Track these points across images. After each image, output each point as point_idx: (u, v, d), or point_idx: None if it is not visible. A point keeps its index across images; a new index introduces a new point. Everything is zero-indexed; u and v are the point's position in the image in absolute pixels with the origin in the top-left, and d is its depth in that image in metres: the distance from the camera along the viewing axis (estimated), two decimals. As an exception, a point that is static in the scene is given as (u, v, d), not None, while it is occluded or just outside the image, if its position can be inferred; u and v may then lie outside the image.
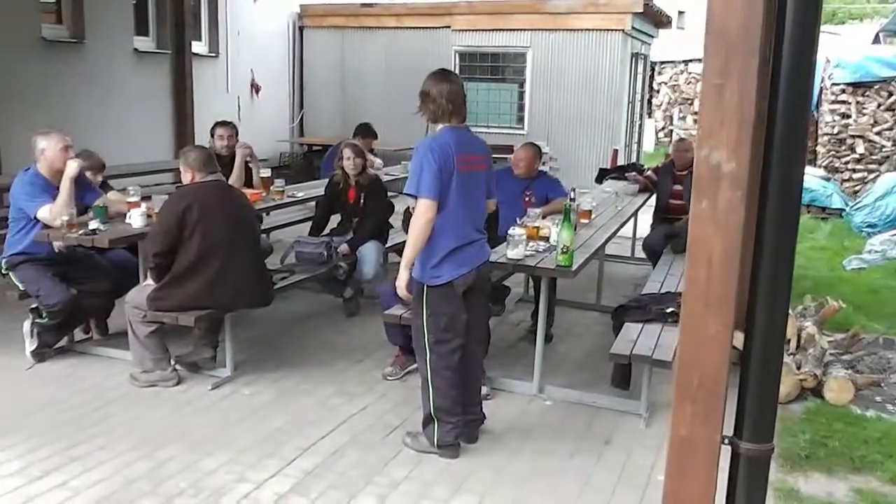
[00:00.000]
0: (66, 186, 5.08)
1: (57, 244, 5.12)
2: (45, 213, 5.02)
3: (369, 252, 6.37)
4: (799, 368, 5.11)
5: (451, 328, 4.02)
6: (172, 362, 4.98)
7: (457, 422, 4.14)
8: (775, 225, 2.03)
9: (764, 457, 2.20)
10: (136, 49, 10.65)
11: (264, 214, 6.97)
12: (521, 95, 13.43)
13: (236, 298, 4.92)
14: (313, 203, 7.48)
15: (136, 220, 5.19)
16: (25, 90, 8.85)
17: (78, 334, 5.58)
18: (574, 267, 4.63)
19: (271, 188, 6.78)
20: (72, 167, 5.13)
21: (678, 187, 7.41)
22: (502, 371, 5.27)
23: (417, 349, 4.16)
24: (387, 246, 6.69)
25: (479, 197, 4.07)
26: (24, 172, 5.20)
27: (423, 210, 3.85)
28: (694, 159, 6.35)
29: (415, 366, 4.68)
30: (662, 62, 20.39)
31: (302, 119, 14.65)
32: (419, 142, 4.00)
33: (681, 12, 21.75)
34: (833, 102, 12.94)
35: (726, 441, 2.24)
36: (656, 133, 20.64)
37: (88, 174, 5.53)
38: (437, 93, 3.96)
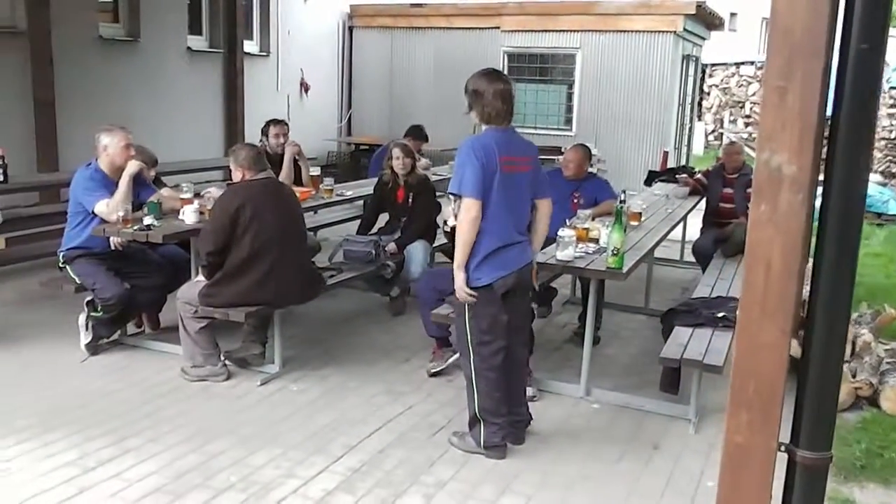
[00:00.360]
0: (124, 183, 5.19)
1: (115, 240, 5.23)
2: (102, 207, 5.12)
3: (417, 251, 6.39)
4: (854, 376, 5.01)
5: (493, 330, 4.02)
6: (222, 358, 5.05)
7: (502, 423, 4.13)
8: (836, 231, 1.99)
9: (821, 466, 2.16)
10: (189, 48, 10.81)
11: (312, 213, 7.04)
12: (570, 97, 13.36)
13: (285, 295, 4.97)
14: (360, 202, 7.54)
15: (188, 216, 5.27)
16: (83, 88, 9.04)
17: (130, 328, 5.69)
18: (625, 269, 4.60)
19: (320, 186, 6.83)
20: (133, 165, 5.24)
21: (729, 191, 7.32)
22: (549, 373, 5.25)
23: (461, 351, 4.16)
24: (434, 245, 6.71)
25: (522, 199, 4.04)
26: (85, 167, 5.32)
27: (468, 208, 3.84)
28: (744, 163, 6.28)
29: (456, 355, 4.69)
30: (713, 64, 20.13)
31: (350, 118, 14.75)
32: (462, 141, 4.00)
33: (733, 14, 21.45)
34: (891, 106, 12.67)
35: (782, 449, 2.20)
36: (706, 136, 20.38)
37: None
38: (491, 93, 3.92)
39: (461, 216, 3.87)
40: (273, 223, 4.82)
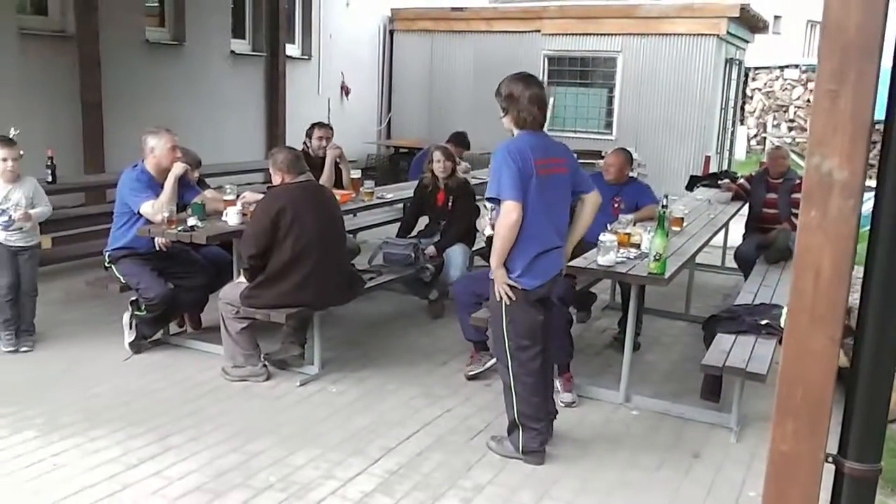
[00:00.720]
0: (170, 184, 5.26)
1: (159, 240, 5.30)
2: (147, 208, 5.20)
3: (456, 255, 6.39)
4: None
5: (531, 335, 4.01)
6: (262, 358, 5.08)
7: (541, 427, 4.12)
8: (890, 237, 1.95)
9: (870, 478, 2.12)
10: (232, 51, 10.93)
11: (352, 215, 7.07)
12: (611, 100, 13.27)
13: (325, 297, 5.01)
14: (400, 205, 7.56)
15: (231, 217, 5.33)
16: (129, 90, 9.18)
17: (172, 327, 5.76)
18: (667, 275, 4.55)
19: (361, 189, 6.87)
20: (179, 167, 5.32)
21: (772, 196, 7.21)
22: (588, 378, 5.21)
23: (499, 356, 4.15)
24: (473, 249, 6.70)
25: (560, 201, 4.02)
26: (132, 169, 5.40)
27: (508, 211, 3.80)
28: (789, 167, 6.18)
29: (494, 360, 4.68)
30: (757, 68, 19.88)
31: (389, 122, 14.80)
32: (497, 146, 3.98)
33: (777, 17, 21.16)
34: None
35: (830, 459, 2.16)
36: (748, 140, 20.14)
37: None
38: (527, 98, 3.90)
39: (501, 220, 3.84)
40: (313, 226, 4.85)
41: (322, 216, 4.95)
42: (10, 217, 5.18)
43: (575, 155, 4.24)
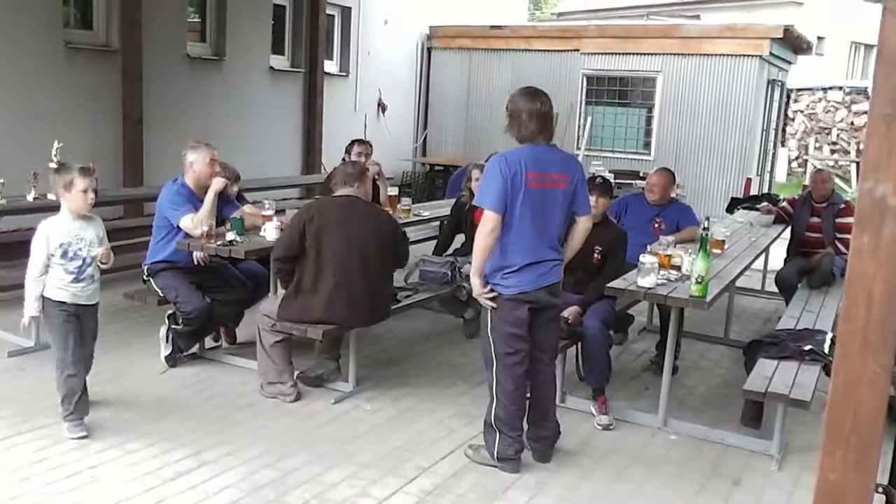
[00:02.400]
0: (209, 199, 5.34)
1: (197, 254, 5.36)
2: (187, 222, 5.28)
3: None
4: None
5: (515, 341, 4.09)
6: (295, 377, 5.10)
7: (517, 436, 4.19)
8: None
9: (921, 509, 2.09)
10: (271, 67, 11.08)
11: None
12: (649, 121, 13.23)
13: (351, 316, 4.97)
14: (436, 222, 7.59)
15: (270, 232, 5.38)
16: (169, 104, 9.34)
17: (208, 342, 5.81)
18: (708, 298, 4.52)
19: (398, 206, 6.91)
20: (218, 182, 5.39)
21: (816, 220, 7.15)
22: (626, 402, 5.19)
23: (486, 360, 4.24)
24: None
25: (552, 216, 4.08)
26: (172, 183, 5.48)
27: (485, 221, 3.99)
28: (833, 191, 6.12)
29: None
30: (799, 89, 19.70)
31: (425, 139, 14.88)
32: (492, 157, 4.18)
33: (820, 38, 20.99)
34: None
35: (880, 489, 2.13)
36: (789, 163, 19.94)
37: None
38: (526, 113, 4.05)
39: (479, 228, 4.03)
40: (340, 241, 4.86)
41: (353, 233, 4.90)
42: (85, 260, 4.23)
43: (597, 175, 4.30)
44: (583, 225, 4.28)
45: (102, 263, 4.30)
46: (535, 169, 3.99)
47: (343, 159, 7.19)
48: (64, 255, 4.16)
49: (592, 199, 4.75)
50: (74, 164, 4.25)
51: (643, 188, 6.67)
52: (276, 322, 4.97)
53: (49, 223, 4.20)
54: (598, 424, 4.82)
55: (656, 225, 6.08)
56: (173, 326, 5.40)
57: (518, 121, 4.07)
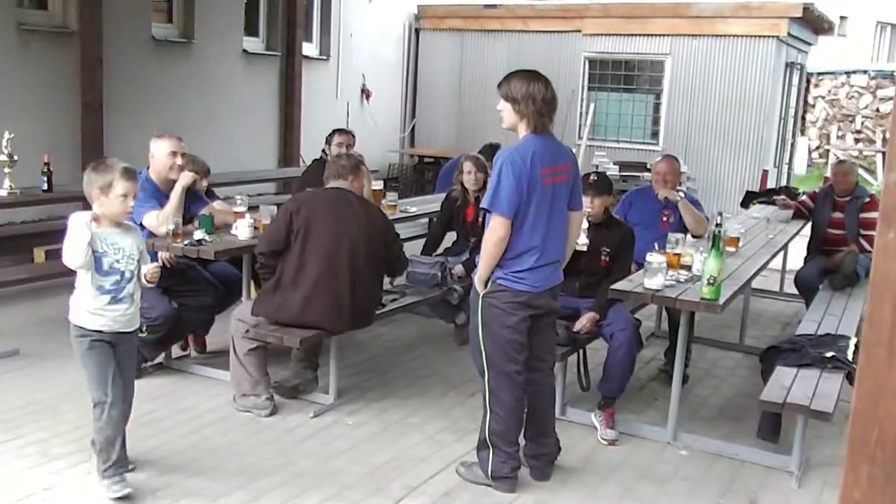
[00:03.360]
0: (176, 194, 5.31)
1: (163, 255, 5.33)
2: (151, 220, 5.24)
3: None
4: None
5: (514, 347, 4.04)
6: (271, 390, 5.08)
7: (513, 452, 4.17)
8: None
9: (954, 531, 2.08)
10: (245, 50, 11.06)
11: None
12: (657, 107, 13.26)
13: (330, 318, 4.92)
14: (425, 219, 7.57)
15: (242, 231, 5.37)
16: (133, 91, 9.31)
17: (175, 351, 5.79)
18: (721, 301, 4.52)
19: (383, 202, 6.88)
20: (187, 177, 5.38)
21: (838, 215, 7.16)
22: (632, 414, 5.19)
23: (477, 367, 4.20)
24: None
25: (560, 211, 4.08)
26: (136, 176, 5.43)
27: (496, 227, 3.92)
28: (857, 184, 6.14)
29: None
30: (820, 73, 19.77)
31: (414, 128, 14.86)
32: (499, 152, 4.04)
33: (843, 17, 21.06)
34: None
35: (908, 509, 2.12)
36: (810, 153, 20.01)
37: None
38: (527, 96, 3.97)
39: (488, 234, 3.96)
40: (327, 234, 4.88)
41: (342, 227, 4.92)
42: (124, 274, 3.82)
43: (591, 172, 4.28)
44: (578, 221, 4.29)
45: (149, 282, 3.95)
46: (547, 163, 3.96)
47: (323, 151, 7.19)
48: (98, 267, 3.76)
49: (587, 199, 4.74)
50: (117, 163, 3.84)
51: (650, 180, 6.67)
52: (251, 328, 4.95)
53: (83, 217, 3.74)
54: (603, 439, 4.82)
55: (664, 218, 6.09)
56: (138, 334, 5.35)
57: (526, 108, 3.97)
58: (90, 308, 3.79)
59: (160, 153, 5.39)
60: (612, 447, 4.78)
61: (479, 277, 4.03)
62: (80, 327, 3.83)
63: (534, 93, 3.97)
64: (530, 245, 3.95)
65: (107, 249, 3.77)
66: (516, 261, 3.96)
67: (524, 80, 4.03)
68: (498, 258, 3.95)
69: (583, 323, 4.93)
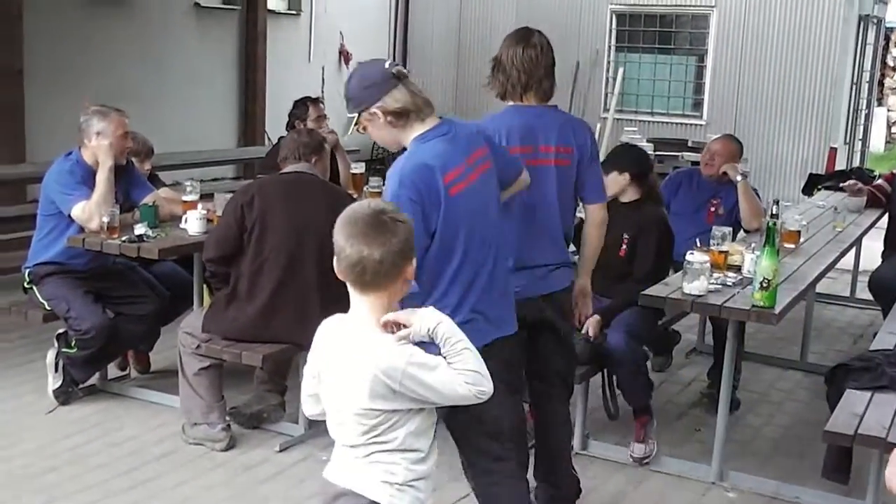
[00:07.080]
0: (103, 177, 5.25)
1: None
2: (78, 211, 5.22)
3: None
4: None
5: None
6: (227, 417, 5.07)
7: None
8: None
9: None
10: (196, 3, 11.06)
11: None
12: (700, 72, 13.28)
13: (296, 329, 4.77)
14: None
15: (192, 224, 5.35)
16: (60, 53, 9.31)
17: (112, 370, 5.78)
18: (777, 309, 4.51)
19: (365, 188, 6.87)
20: (109, 153, 5.32)
21: (924, 203, 7.17)
22: (669, 447, 5.18)
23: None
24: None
25: (547, 200, 4.05)
26: (65, 158, 5.41)
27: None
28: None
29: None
30: (901, 28, 19.81)
31: (403, 99, 14.85)
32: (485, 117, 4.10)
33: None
34: None
35: None
36: (889, 127, 20.03)
37: (134, 161, 5.73)
38: (507, 59, 4.00)
39: None
40: (284, 230, 4.85)
41: (305, 219, 4.87)
42: None
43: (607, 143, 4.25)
44: (593, 217, 4.23)
45: None
46: (521, 141, 3.97)
47: (292, 125, 7.15)
48: None
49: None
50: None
51: (697, 162, 6.66)
52: (202, 343, 4.94)
53: None
54: (632, 455, 4.84)
55: (712, 209, 6.08)
56: (65, 350, 5.36)
57: (501, 72, 4.04)
58: None
59: (110, 134, 5.33)
60: (642, 478, 4.79)
61: None
62: None
63: (503, 55, 4.03)
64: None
65: None
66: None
67: (504, 42, 4.09)
68: None
69: (586, 329, 4.87)
